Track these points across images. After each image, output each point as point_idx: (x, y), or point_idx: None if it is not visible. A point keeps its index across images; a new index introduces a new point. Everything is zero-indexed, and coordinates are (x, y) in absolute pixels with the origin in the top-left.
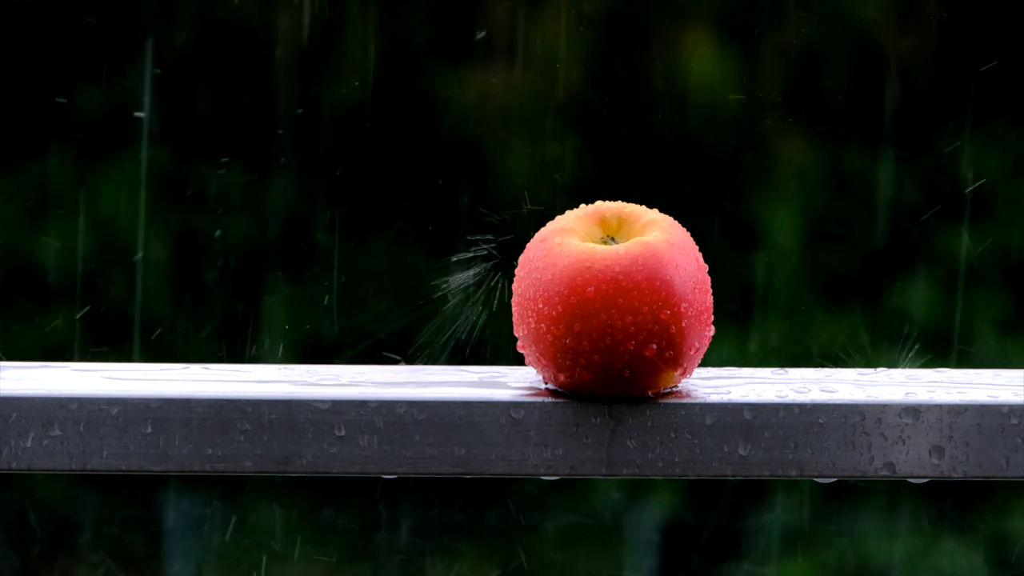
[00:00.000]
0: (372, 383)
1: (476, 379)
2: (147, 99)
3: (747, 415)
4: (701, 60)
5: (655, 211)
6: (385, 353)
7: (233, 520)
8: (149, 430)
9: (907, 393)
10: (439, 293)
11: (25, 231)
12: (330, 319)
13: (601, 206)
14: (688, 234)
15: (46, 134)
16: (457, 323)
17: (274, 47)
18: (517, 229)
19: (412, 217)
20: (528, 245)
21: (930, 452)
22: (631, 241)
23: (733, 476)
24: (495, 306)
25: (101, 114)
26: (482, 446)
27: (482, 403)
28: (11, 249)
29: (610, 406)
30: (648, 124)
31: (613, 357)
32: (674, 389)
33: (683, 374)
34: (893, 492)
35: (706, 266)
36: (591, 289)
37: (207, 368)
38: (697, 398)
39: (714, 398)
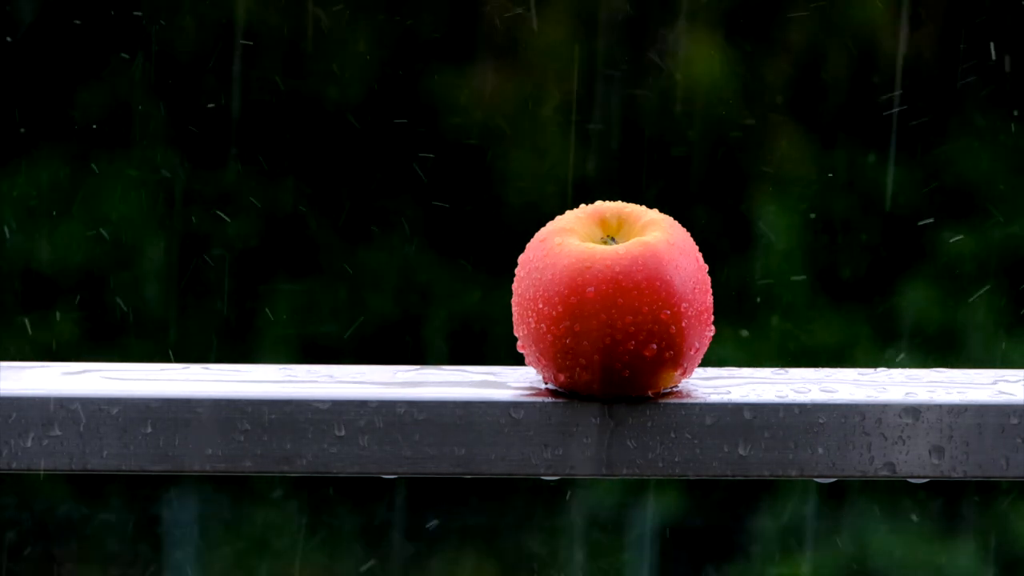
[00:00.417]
0: (372, 383)
1: (476, 379)
2: (147, 98)
3: (747, 415)
4: (701, 60)
5: (655, 211)
6: (386, 353)
7: (233, 520)
8: (149, 430)
9: (907, 393)
10: (439, 293)
11: (25, 231)
12: (330, 319)
13: (601, 206)
14: (688, 234)
15: (46, 134)
16: (457, 323)
17: (274, 47)
18: (517, 229)
19: (412, 217)
20: (528, 245)
21: (930, 452)
22: (631, 241)
23: (733, 476)
24: (496, 306)
25: (101, 114)
26: (482, 446)
27: (482, 403)
28: (11, 249)
29: (610, 406)
30: (648, 124)
31: (613, 357)
32: (674, 389)
33: (683, 374)
34: (893, 492)
35: (706, 266)
36: (591, 289)
37: (207, 368)
38: (697, 398)
39: (714, 398)
